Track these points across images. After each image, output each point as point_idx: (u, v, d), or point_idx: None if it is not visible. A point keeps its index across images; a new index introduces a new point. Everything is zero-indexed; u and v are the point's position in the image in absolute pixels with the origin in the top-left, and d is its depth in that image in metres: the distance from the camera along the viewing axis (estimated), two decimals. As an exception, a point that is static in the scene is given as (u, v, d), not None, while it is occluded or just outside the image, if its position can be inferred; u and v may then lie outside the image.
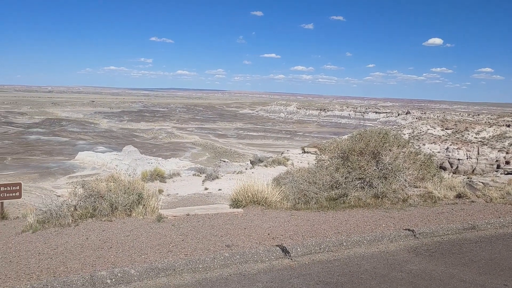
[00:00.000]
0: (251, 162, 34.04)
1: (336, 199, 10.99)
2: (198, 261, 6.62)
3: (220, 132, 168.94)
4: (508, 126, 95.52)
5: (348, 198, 10.96)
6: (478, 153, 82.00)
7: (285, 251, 7.31)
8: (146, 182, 16.73)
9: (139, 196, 9.86)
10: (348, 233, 8.31)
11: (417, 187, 12.48)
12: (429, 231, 8.72)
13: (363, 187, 11.49)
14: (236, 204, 10.83)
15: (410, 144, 14.04)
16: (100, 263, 6.40)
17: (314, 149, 31.85)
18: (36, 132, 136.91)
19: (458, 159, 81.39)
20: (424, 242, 8.27)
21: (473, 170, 75.91)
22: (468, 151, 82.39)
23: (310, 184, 11.65)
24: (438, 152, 77.10)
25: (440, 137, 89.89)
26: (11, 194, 11.01)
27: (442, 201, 11.62)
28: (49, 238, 7.77)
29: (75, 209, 9.52)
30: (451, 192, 12.42)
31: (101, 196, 9.66)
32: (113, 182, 10.74)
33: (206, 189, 20.13)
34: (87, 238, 7.69)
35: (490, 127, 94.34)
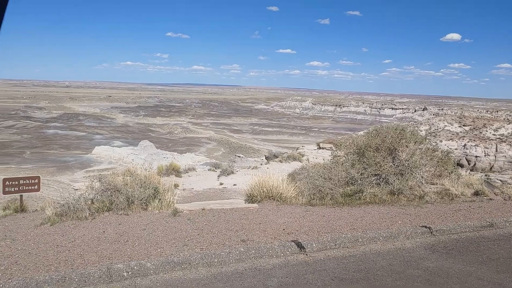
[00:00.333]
0: (266, 158, 34.02)
1: (352, 195, 10.93)
2: (213, 256, 6.65)
3: (235, 128, 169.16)
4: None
5: (363, 195, 10.89)
6: (496, 150, 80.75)
7: (300, 246, 7.30)
8: (162, 177, 16.85)
9: (155, 190, 9.94)
10: (363, 229, 8.26)
11: (434, 184, 12.34)
12: (446, 229, 8.63)
13: (379, 184, 11.41)
14: (251, 199, 10.85)
15: (427, 140, 13.89)
16: (117, 256, 6.48)
17: (330, 145, 31.73)
18: (54, 126, 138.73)
19: (476, 156, 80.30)
20: (441, 240, 8.18)
21: (491, 168, 74.86)
22: (486, 148, 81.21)
23: (325, 180, 11.60)
24: (456, 149, 76.11)
25: (457, 133, 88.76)
26: (30, 187, 11.18)
27: (460, 198, 11.48)
28: (67, 231, 7.88)
29: (92, 203, 9.63)
30: (468, 189, 12.25)
31: (117, 190, 9.76)
32: (130, 176, 10.85)
33: (221, 184, 20.19)
34: (104, 231, 7.78)
35: (509, 123, 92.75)
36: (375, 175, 11.53)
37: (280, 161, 29.29)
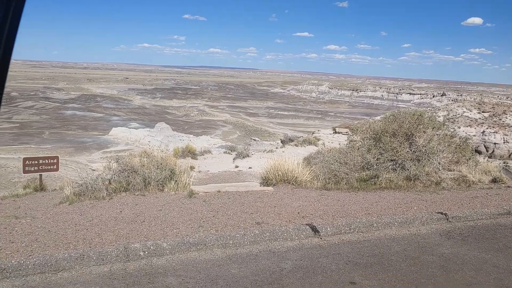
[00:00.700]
0: (282, 141, 33.99)
1: (367, 180, 10.89)
2: (228, 237, 6.72)
3: (251, 111, 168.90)
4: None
5: (379, 180, 10.84)
6: (516, 137, 79.33)
7: (314, 230, 7.33)
8: (178, 159, 16.98)
9: (171, 172, 10.03)
10: (378, 214, 8.25)
11: (451, 171, 12.22)
12: (463, 215, 8.57)
13: (395, 169, 11.34)
14: (266, 182, 10.89)
15: (445, 126, 13.71)
16: (134, 236, 6.59)
17: (346, 130, 31.51)
18: (72, 107, 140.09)
19: (494, 143, 79.04)
20: (457, 226, 8.13)
21: (509, 155, 73.68)
22: (505, 135, 79.83)
23: (341, 164, 11.57)
24: (474, 135, 74.95)
25: (476, 120, 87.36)
26: (49, 167, 11.36)
27: (477, 185, 11.36)
28: (85, 210, 8.02)
29: (110, 183, 9.77)
30: (486, 176, 12.11)
31: (134, 171, 9.88)
32: (146, 157, 10.96)
33: (236, 167, 20.24)
34: (121, 211, 7.90)
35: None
36: (391, 160, 11.45)
37: (296, 145, 29.22)
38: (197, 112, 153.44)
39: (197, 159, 22.82)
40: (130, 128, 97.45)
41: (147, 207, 8.26)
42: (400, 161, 11.36)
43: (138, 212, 7.90)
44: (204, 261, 6.04)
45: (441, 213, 8.53)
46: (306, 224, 7.45)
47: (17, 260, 5.54)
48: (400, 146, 11.48)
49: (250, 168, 19.16)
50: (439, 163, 11.62)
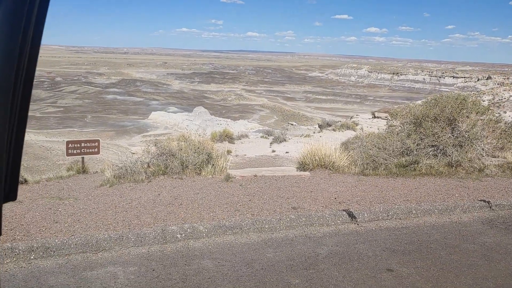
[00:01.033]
0: (319, 126, 33.68)
1: (407, 166, 10.65)
2: (264, 222, 6.74)
3: (288, 95, 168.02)
4: None
5: (419, 166, 10.57)
6: None
7: (351, 216, 7.25)
8: (215, 143, 17.12)
9: (208, 155, 10.12)
10: (418, 201, 8.07)
11: (495, 157, 11.80)
12: (507, 203, 8.26)
13: (436, 155, 11.04)
14: (303, 167, 10.83)
15: (490, 111, 13.21)
16: (171, 219, 6.70)
17: (385, 114, 30.89)
18: (113, 92, 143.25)
19: (543, 129, 75.78)
20: (501, 215, 7.86)
21: (559, 141, 70.56)
22: (555, 120, 76.38)
23: (379, 149, 11.36)
24: (521, 120, 72.06)
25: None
26: (90, 150, 11.69)
27: (523, 172, 10.92)
28: (124, 192, 8.22)
29: (148, 166, 9.97)
30: (533, 163, 11.62)
31: (172, 155, 10.02)
32: (184, 141, 11.08)
33: (273, 151, 20.25)
34: (159, 194, 8.04)
35: None
36: (432, 146, 11.15)
37: (334, 130, 28.92)
38: (235, 97, 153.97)
39: (234, 143, 22.98)
40: (168, 112, 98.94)
41: (184, 190, 8.38)
42: (442, 147, 11.05)
43: (175, 195, 8.03)
44: (240, 245, 6.09)
45: (484, 201, 8.26)
46: (343, 210, 7.38)
47: (60, 239, 5.75)
48: (441, 131, 11.15)
49: (287, 152, 19.13)
50: (483, 149, 11.22)
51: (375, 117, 34.59)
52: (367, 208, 7.55)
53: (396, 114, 13.40)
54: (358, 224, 7.08)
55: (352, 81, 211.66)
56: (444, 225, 7.21)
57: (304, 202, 7.78)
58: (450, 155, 10.80)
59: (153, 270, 5.21)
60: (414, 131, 11.60)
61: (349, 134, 24.70)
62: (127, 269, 5.21)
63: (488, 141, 11.55)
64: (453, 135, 11.20)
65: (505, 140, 12.03)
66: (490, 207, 8.13)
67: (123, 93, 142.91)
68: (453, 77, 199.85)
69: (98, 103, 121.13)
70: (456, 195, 8.56)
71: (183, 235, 6.20)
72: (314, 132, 29.24)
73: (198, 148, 10.31)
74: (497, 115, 14.18)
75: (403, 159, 10.96)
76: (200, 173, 9.75)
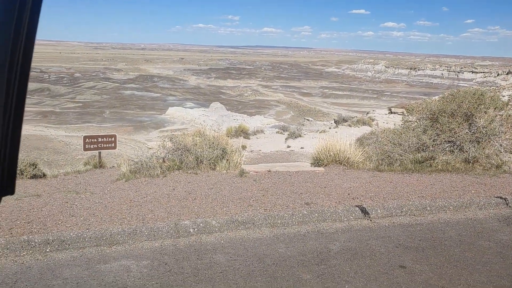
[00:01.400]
0: (335, 121, 33.53)
1: (422, 162, 10.55)
2: (277, 217, 6.76)
3: (304, 91, 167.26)
4: None
5: (435, 162, 10.46)
6: None
7: (364, 212, 7.22)
8: (231, 138, 17.19)
9: (223, 151, 10.17)
10: (432, 197, 7.99)
11: (514, 153, 11.60)
12: (524, 200, 8.13)
13: (453, 151, 10.90)
14: (317, 162, 10.81)
15: (509, 106, 12.98)
16: (185, 213, 6.76)
17: (402, 110, 30.57)
18: (130, 87, 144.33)
19: None
20: (518, 212, 7.74)
21: None
22: None
23: (394, 145, 11.27)
24: (542, 116, 70.65)
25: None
26: (107, 145, 11.86)
27: (542, 169, 10.72)
28: (139, 187, 8.31)
29: (164, 161, 10.06)
30: (553, 160, 11.40)
31: (187, 150, 10.10)
32: (199, 137, 11.15)
33: (288, 146, 20.25)
34: (173, 189, 8.12)
35: None
36: (448, 142, 11.02)
37: (349, 125, 28.76)
38: (251, 92, 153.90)
39: (249, 139, 23.02)
40: (185, 107, 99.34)
41: (198, 185, 8.44)
42: (458, 143, 10.91)
43: (190, 190, 8.09)
44: (252, 240, 6.11)
45: (501, 198, 8.13)
46: (356, 206, 7.35)
47: (76, 233, 5.85)
48: (458, 127, 11.00)
49: (302, 148, 19.11)
50: (501, 145, 11.05)
51: (391, 112, 34.27)
52: (381, 204, 7.51)
53: (412, 110, 13.26)
54: (371, 220, 7.05)
55: (369, 77, 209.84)
56: (459, 222, 7.13)
57: (317, 197, 7.77)
58: (467, 151, 10.66)
59: (166, 264, 5.27)
60: (431, 126, 11.48)
61: (365, 129, 24.55)
62: (140, 263, 5.28)
63: (507, 137, 11.36)
64: (470, 131, 11.05)
65: (524, 136, 11.82)
66: (507, 204, 8.00)
67: (141, 89, 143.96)
68: (472, 72, 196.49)
69: (116, 98, 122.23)
70: (472, 191, 8.45)
71: (196, 229, 6.25)
72: (330, 128, 29.14)
73: (213, 143, 10.37)
74: (516, 110, 13.90)
75: (419, 154, 10.86)
76: (215, 168, 9.80)
